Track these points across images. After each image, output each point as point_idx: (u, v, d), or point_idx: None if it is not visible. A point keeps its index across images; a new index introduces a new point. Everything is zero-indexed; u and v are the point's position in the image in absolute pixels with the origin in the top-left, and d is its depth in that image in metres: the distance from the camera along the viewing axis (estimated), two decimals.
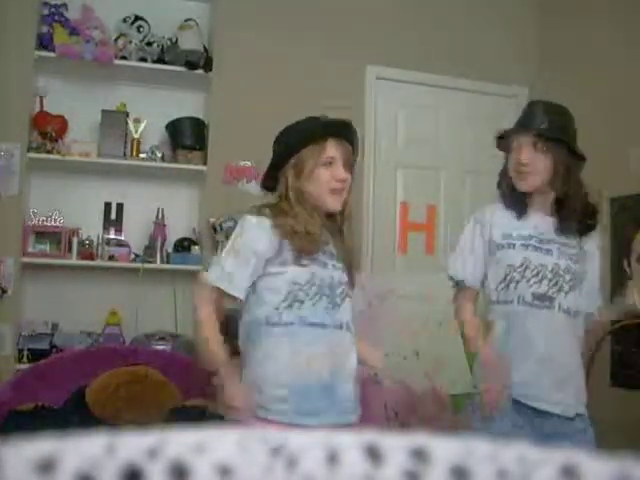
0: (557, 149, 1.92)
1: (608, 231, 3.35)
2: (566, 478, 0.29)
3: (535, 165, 1.91)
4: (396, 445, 0.30)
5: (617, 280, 3.29)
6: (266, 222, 1.77)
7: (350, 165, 1.85)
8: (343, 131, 1.85)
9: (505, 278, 1.95)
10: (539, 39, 4.06)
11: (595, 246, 2.03)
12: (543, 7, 4.07)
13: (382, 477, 0.29)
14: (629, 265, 3.25)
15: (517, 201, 1.98)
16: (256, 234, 1.77)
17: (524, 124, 1.97)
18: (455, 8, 3.97)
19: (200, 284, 1.90)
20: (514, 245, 1.95)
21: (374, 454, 0.29)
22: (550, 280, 1.90)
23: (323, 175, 1.79)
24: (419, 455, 0.29)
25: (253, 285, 1.78)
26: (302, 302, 1.76)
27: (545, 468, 0.29)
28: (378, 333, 3.29)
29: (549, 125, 1.93)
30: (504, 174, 2.02)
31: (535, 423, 1.89)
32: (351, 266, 1.87)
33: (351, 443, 0.30)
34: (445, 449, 0.30)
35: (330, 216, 1.87)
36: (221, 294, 1.80)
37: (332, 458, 0.29)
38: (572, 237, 1.95)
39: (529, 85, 4.02)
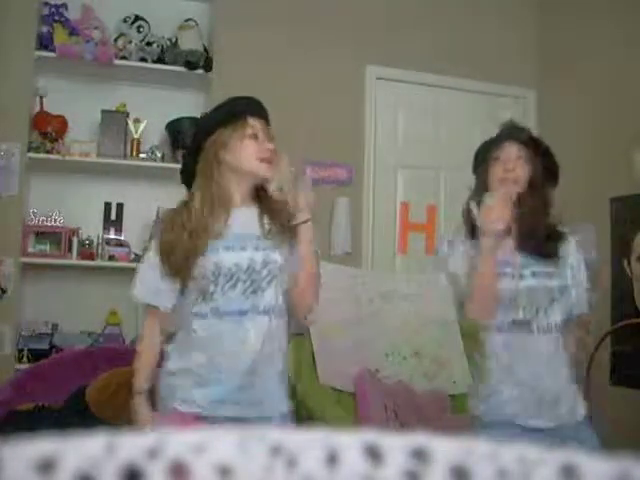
0: (536, 162, 1.95)
1: (608, 231, 3.36)
2: (566, 478, 0.29)
3: (518, 173, 1.93)
4: (396, 445, 0.30)
5: (617, 280, 3.29)
6: (151, 260, 1.82)
7: (272, 139, 1.85)
8: (259, 108, 1.88)
9: None
10: (539, 39, 4.06)
11: (571, 251, 1.98)
12: (543, 7, 4.07)
13: (382, 477, 0.29)
14: (629, 265, 3.25)
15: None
16: (147, 274, 1.85)
17: (510, 135, 2.00)
18: (455, 8, 3.97)
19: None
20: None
21: (374, 454, 0.29)
22: (524, 307, 1.89)
23: (250, 146, 1.80)
24: (419, 455, 0.29)
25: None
26: (212, 293, 1.73)
27: (545, 468, 0.29)
28: (378, 332, 3.30)
29: (530, 138, 1.99)
30: (480, 188, 1.98)
31: (532, 438, 1.88)
32: (285, 242, 1.79)
33: (351, 443, 0.30)
34: (445, 449, 0.30)
35: (258, 193, 1.84)
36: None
37: (332, 458, 0.29)
38: (541, 255, 1.93)
39: (529, 85, 4.02)
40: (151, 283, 1.82)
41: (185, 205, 1.80)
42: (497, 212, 1.81)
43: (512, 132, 2.02)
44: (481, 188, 1.98)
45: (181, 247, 1.73)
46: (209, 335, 1.74)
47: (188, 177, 1.87)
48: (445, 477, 0.29)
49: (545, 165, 1.97)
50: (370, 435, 0.30)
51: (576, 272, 1.98)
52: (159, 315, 1.85)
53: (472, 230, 1.94)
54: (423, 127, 3.96)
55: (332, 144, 3.68)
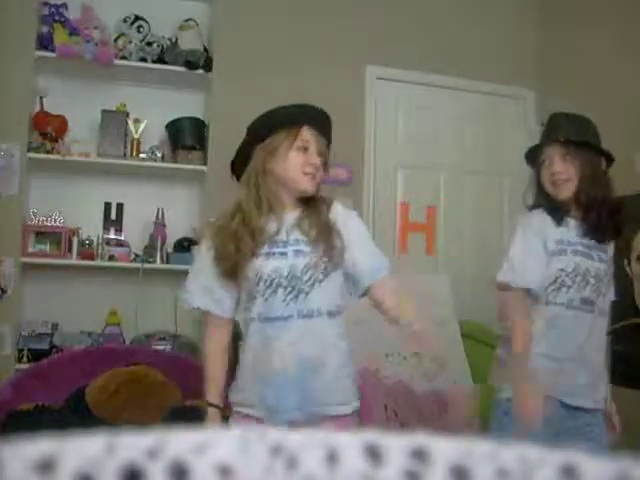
0: (584, 154, 1.99)
1: None
2: (566, 478, 0.29)
3: (568, 173, 1.98)
4: (396, 445, 0.30)
5: (617, 280, 3.29)
6: (203, 247, 1.81)
7: (323, 155, 1.83)
8: (319, 119, 1.85)
9: (556, 281, 1.99)
10: (539, 39, 4.06)
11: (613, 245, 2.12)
12: (543, 7, 4.07)
13: (382, 477, 0.29)
14: (629, 265, 3.25)
15: (556, 210, 2.03)
16: (201, 262, 1.82)
17: (549, 137, 2.04)
18: (455, 8, 3.97)
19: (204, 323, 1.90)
20: (566, 251, 2.00)
21: (374, 454, 0.29)
22: (593, 285, 1.98)
23: (297, 158, 1.78)
24: (419, 455, 0.29)
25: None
26: (255, 298, 1.74)
27: (545, 468, 0.29)
28: (378, 332, 3.30)
29: (572, 132, 2.00)
30: (537, 188, 2.08)
31: (568, 417, 1.96)
32: (330, 244, 1.79)
33: (351, 443, 0.30)
34: (445, 449, 0.30)
35: (301, 202, 1.83)
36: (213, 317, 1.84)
37: (332, 458, 0.29)
38: (603, 240, 2.03)
39: (529, 85, 4.02)
40: (206, 288, 1.81)
41: (237, 209, 1.80)
42: (532, 411, 1.86)
43: (550, 132, 2.05)
44: (536, 188, 2.08)
45: (234, 251, 1.74)
46: (257, 340, 1.76)
47: (238, 173, 1.89)
48: (445, 477, 0.29)
49: (594, 153, 2.02)
50: (370, 435, 0.30)
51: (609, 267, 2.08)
52: (218, 322, 1.84)
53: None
54: (423, 127, 3.96)
55: (332, 144, 3.68)
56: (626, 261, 3.26)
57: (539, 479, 0.29)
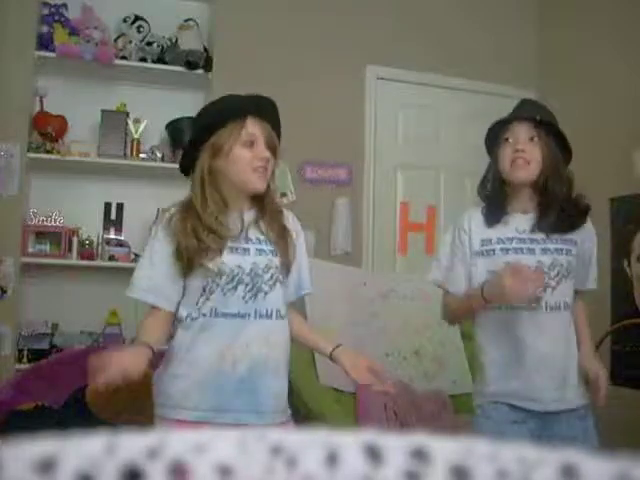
0: (550, 141, 1.91)
1: (608, 231, 3.35)
2: (566, 478, 0.29)
3: (532, 154, 1.89)
4: (396, 445, 0.30)
5: (617, 280, 3.29)
6: (161, 238, 1.74)
7: (273, 146, 1.74)
8: (263, 108, 1.75)
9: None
10: (540, 39, 4.06)
11: (588, 232, 2.00)
12: (543, 7, 4.07)
13: (382, 477, 0.29)
14: (629, 265, 3.25)
15: (499, 202, 1.96)
16: (158, 255, 1.74)
17: (518, 115, 1.96)
18: (455, 8, 3.97)
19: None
20: (493, 251, 1.93)
21: (374, 454, 0.29)
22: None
23: (244, 154, 1.70)
24: (419, 455, 0.29)
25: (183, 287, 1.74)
26: (212, 293, 1.68)
27: (545, 468, 0.29)
28: (378, 332, 3.30)
29: (542, 117, 1.92)
30: (491, 173, 2.00)
31: (536, 424, 1.89)
32: (286, 248, 1.77)
33: (351, 443, 0.30)
34: (445, 449, 0.30)
35: (255, 198, 1.78)
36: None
37: (332, 458, 0.29)
38: (558, 231, 1.92)
39: (530, 85, 4.02)
40: (155, 281, 1.74)
41: (190, 205, 1.74)
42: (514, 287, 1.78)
43: (522, 111, 1.97)
44: (493, 170, 2.00)
45: (191, 247, 1.68)
46: (207, 336, 1.69)
47: (187, 172, 1.82)
48: (445, 477, 0.29)
49: (558, 144, 1.93)
50: (370, 435, 0.30)
51: (590, 253, 1.99)
52: (164, 315, 1.75)
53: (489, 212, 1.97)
54: (423, 127, 3.96)
55: (332, 144, 3.68)
56: (626, 261, 3.26)
57: (539, 479, 0.29)
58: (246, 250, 1.72)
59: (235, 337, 1.69)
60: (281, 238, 1.77)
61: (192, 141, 1.79)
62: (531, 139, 1.90)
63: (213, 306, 1.69)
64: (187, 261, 1.68)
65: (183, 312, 1.73)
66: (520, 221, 1.94)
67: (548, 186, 1.90)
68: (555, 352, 1.89)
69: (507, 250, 1.91)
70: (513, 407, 1.89)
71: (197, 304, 1.70)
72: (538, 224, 1.92)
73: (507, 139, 1.93)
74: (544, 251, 1.91)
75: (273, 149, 1.75)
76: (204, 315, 1.70)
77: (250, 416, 1.68)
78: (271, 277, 1.73)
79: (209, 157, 1.72)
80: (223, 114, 1.74)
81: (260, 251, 1.74)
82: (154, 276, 1.75)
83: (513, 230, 1.93)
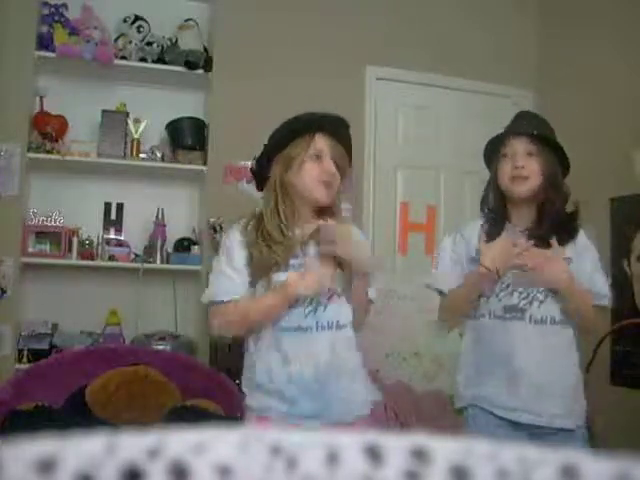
0: (547, 155, 1.92)
1: (608, 231, 3.35)
2: (566, 478, 0.29)
3: (531, 168, 1.90)
4: (396, 445, 0.30)
5: (617, 280, 3.29)
6: (237, 237, 1.78)
7: (340, 164, 1.80)
8: (333, 126, 1.81)
9: None
10: (539, 39, 4.06)
11: (584, 242, 1.97)
12: (543, 7, 4.07)
13: (382, 477, 0.29)
14: (629, 265, 3.25)
15: (499, 218, 1.97)
16: (232, 251, 1.78)
17: (516, 130, 1.96)
18: (455, 8, 3.97)
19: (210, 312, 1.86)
20: None
21: (374, 454, 0.29)
22: (521, 293, 1.89)
23: (312, 168, 1.76)
24: (419, 455, 0.29)
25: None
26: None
27: (545, 468, 0.29)
28: (378, 332, 3.30)
29: (540, 131, 1.93)
30: (492, 187, 2.00)
31: (517, 436, 1.86)
32: (345, 262, 1.80)
33: (351, 443, 0.30)
34: (445, 449, 0.30)
35: (319, 213, 1.82)
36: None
37: (332, 458, 0.29)
38: (549, 245, 1.91)
39: (529, 85, 4.02)
40: (230, 287, 1.77)
41: (261, 218, 1.79)
42: (497, 256, 1.85)
43: (519, 126, 1.96)
44: (493, 186, 2.00)
45: (263, 257, 1.73)
46: (274, 351, 1.75)
47: (261, 184, 1.88)
48: (445, 477, 0.29)
49: (557, 156, 1.93)
50: (370, 435, 0.30)
51: (587, 265, 1.96)
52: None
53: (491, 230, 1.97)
54: (423, 127, 3.96)
55: None
56: (626, 261, 3.26)
57: (539, 479, 0.29)
58: (302, 266, 1.75)
59: (297, 350, 1.74)
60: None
61: (264, 153, 1.85)
62: (529, 154, 1.91)
63: (276, 320, 1.74)
64: (256, 270, 1.73)
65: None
66: (516, 235, 1.94)
67: (547, 200, 1.91)
68: (533, 366, 1.87)
69: None
70: (490, 413, 1.90)
71: None
72: (531, 238, 1.92)
73: (505, 155, 1.94)
74: None
75: (340, 166, 1.80)
76: (270, 328, 1.75)
77: (324, 421, 1.73)
78: (327, 291, 1.77)
79: (281, 170, 1.78)
80: (294, 130, 1.80)
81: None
82: (235, 283, 1.77)
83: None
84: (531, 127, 1.94)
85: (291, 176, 1.77)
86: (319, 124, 1.79)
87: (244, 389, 1.82)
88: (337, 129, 1.82)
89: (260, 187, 1.88)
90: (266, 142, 1.87)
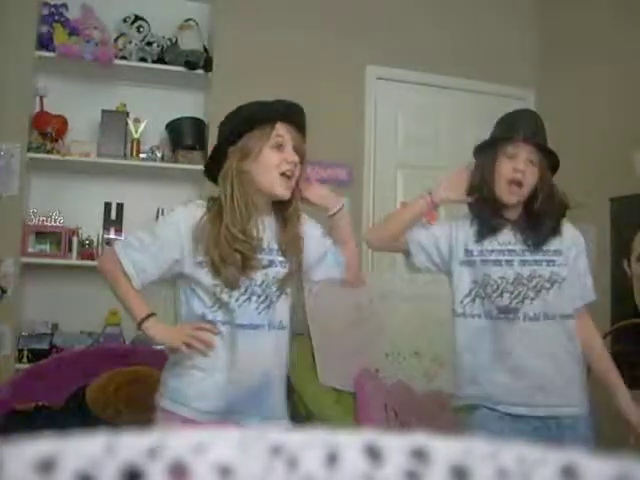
0: (544, 162, 1.94)
1: (608, 231, 3.35)
2: (566, 478, 0.29)
3: (528, 177, 1.92)
4: (396, 445, 0.30)
5: (617, 280, 3.29)
6: (197, 212, 1.72)
7: (300, 151, 1.75)
8: (293, 114, 1.77)
9: (470, 293, 1.98)
10: (541, 39, 4.06)
11: (572, 237, 2.00)
12: (543, 7, 4.07)
13: (382, 477, 0.29)
14: (629, 265, 3.25)
15: (488, 218, 1.98)
16: (170, 233, 1.72)
17: (519, 133, 1.95)
18: (455, 8, 3.97)
19: (108, 251, 1.80)
20: (474, 262, 1.97)
21: (374, 454, 0.29)
22: (511, 293, 1.92)
23: (272, 157, 1.70)
24: (419, 455, 0.29)
25: (184, 276, 1.73)
26: (227, 304, 1.70)
27: (545, 468, 0.29)
28: (378, 332, 3.30)
29: (541, 138, 1.95)
30: (484, 184, 1.98)
31: (520, 429, 1.89)
32: (296, 256, 1.78)
33: (351, 443, 0.30)
34: (445, 449, 0.30)
35: (277, 204, 1.79)
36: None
37: (332, 458, 0.29)
38: (537, 242, 1.95)
39: (530, 85, 4.02)
40: (145, 263, 1.71)
41: (219, 210, 1.72)
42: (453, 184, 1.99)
43: (522, 129, 1.95)
44: (485, 178, 1.97)
45: (222, 256, 1.68)
46: (222, 344, 1.71)
47: (214, 176, 1.81)
48: (445, 477, 0.29)
49: (549, 161, 1.96)
50: (370, 435, 0.30)
51: (573, 263, 1.98)
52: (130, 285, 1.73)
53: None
54: (423, 127, 3.96)
55: (332, 144, 3.68)
56: (626, 261, 3.26)
57: (539, 479, 0.29)
58: (259, 260, 1.72)
59: (249, 348, 1.71)
60: (292, 248, 1.78)
61: (219, 145, 1.79)
62: (530, 161, 1.92)
63: (226, 318, 1.71)
64: (213, 268, 1.68)
65: (198, 309, 1.74)
66: (504, 234, 1.97)
67: (537, 205, 1.93)
68: (532, 361, 1.90)
69: (486, 262, 1.96)
70: (492, 410, 1.92)
71: (212, 307, 1.73)
72: (519, 236, 1.96)
73: (507, 154, 1.94)
74: (522, 263, 1.94)
75: (301, 155, 1.76)
76: (222, 323, 1.72)
77: (260, 422, 1.71)
78: (277, 289, 1.75)
79: (237, 160, 1.72)
80: (253, 118, 1.74)
81: (271, 262, 1.75)
82: (145, 258, 1.72)
83: (495, 243, 1.97)
84: (537, 135, 1.95)
85: (249, 166, 1.71)
86: (280, 112, 1.75)
87: (167, 375, 1.78)
88: (297, 117, 1.78)
89: (213, 178, 1.81)
90: (221, 130, 1.81)
